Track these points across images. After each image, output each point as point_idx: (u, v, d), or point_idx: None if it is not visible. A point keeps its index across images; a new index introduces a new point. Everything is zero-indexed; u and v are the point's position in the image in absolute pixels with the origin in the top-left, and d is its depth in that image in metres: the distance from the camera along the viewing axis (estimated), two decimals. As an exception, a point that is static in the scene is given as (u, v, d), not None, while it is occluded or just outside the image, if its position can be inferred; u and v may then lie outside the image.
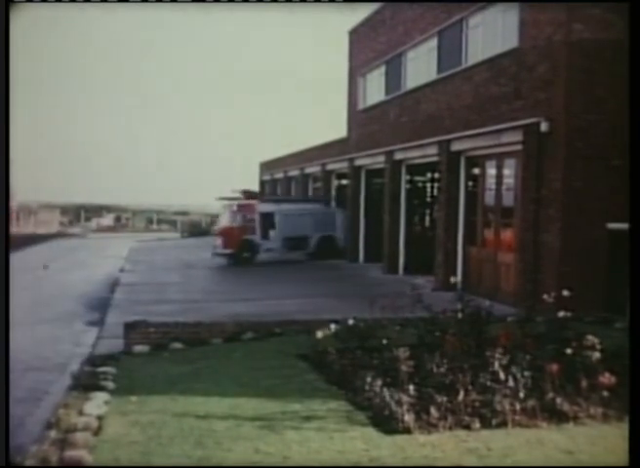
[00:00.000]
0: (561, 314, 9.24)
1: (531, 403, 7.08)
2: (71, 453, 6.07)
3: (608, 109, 13.93)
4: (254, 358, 10.03)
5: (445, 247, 18.52)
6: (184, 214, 72.32)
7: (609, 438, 6.57)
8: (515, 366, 7.59)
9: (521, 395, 7.16)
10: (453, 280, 13.11)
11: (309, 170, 33.26)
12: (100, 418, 7.12)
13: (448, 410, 6.93)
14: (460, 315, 9.47)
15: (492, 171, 17.23)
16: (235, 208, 27.10)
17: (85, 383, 8.49)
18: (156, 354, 10.53)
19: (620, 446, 6.06)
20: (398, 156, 22.09)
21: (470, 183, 18.33)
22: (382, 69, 25.43)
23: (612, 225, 13.90)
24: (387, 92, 24.83)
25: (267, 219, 26.80)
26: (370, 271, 23.13)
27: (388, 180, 22.73)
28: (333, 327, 9.90)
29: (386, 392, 7.26)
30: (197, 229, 49.73)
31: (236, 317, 13.17)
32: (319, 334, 9.67)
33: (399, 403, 6.99)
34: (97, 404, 7.58)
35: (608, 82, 13.97)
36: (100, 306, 17.00)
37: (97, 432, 6.72)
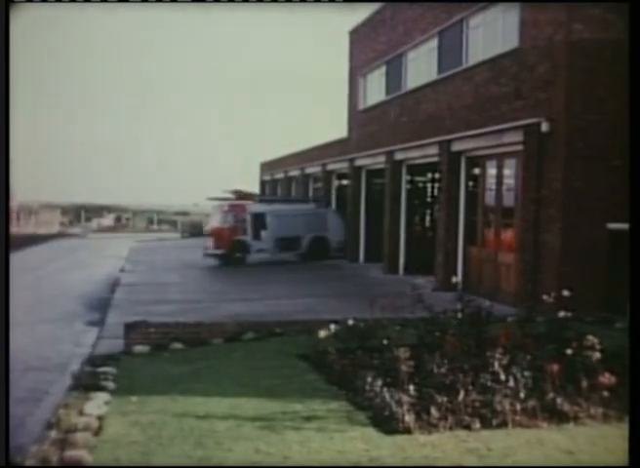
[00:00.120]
0: (561, 314, 9.24)
1: (531, 403, 7.07)
2: (71, 453, 6.07)
3: (608, 109, 13.93)
4: (254, 358, 10.03)
5: (445, 247, 18.52)
6: (185, 214, 72.30)
7: (609, 438, 6.57)
8: (515, 366, 7.59)
9: (521, 395, 7.16)
10: (453, 280, 13.09)
11: (310, 170, 33.25)
12: (100, 418, 7.12)
13: (448, 411, 6.92)
14: (460, 315, 9.47)
15: (492, 171, 17.23)
16: (226, 208, 26.94)
17: (85, 383, 8.49)
18: (156, 354, 10.53)
19: (620, 446, 6.05)
20: (399, 156, 22.09)
21: (471, 183, 18.33)
22: (383, 69, 25.43)
23: (612, 225, 13.90)
24: (388, 92, 24.83)
25: (259, 220, 26.57)
26: (370, 271, 23.13)
27: (389, 181, 22.73)
28: (333, 327, 9.90)
29: (387, 392, 7.25)
30: (197, 229, 49.67)
31: (237, 317, 13.17)
32: (319, 335, 9.66)
33: (399, 403, 6.99)
34: (97, 404, 7.58)
35: (608, 82, 13.97)
36: (100, 306, 17.00)
37: (97, 432, 6.72)
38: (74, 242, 46.90)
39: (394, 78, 24.23)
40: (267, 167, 44.20)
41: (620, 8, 12.91)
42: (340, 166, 28.39)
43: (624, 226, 11.34)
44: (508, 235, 16.45)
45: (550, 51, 14.70)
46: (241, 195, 28.63)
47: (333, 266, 25.45)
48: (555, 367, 7.42)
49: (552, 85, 14.53)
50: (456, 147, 18.24)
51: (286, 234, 26.73)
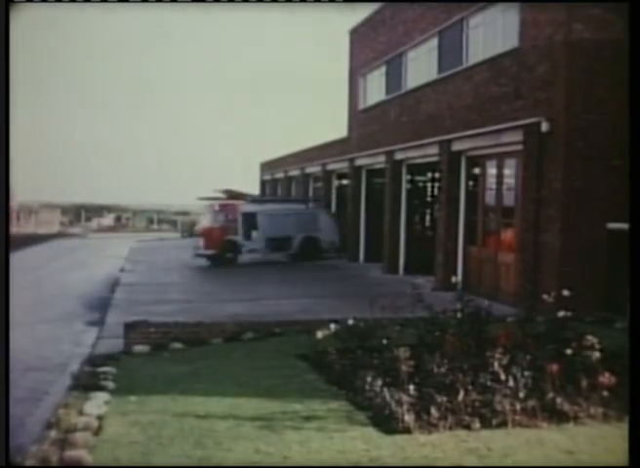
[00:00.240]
0: (561, 314, 9.24)
1: (531, 403, 7.08)
2: (71, 453, 6.07)
3: (608, 109, 13.92)
4: (254, 358, 10.03)
5: (445, 246, 18.52)
6: (185, 214, 72.28)
7: (609, 438, 6.57)
8: (515, 366, 7.59)
9: (521, 395, 7.16)
10: (453, 280, 13.09)
11: (310, 170, 33.26)
12: (100, 418, 7.12)
13: (448, 410, 6.93)
14: (460, 315, 9.47)
15: (492, 170, 17.23)
16: (217, 208, 26.74)
17: (85, 383, 8.49)
18: (156, 354, 10.52)
19: (620, 446, 6.06)
20: (399, 156, 22.09)
21: (471, 183, 18.33)
22: (383, 69, 25.44)
23: (612, 225, 13.90)
24: (388, 92, 24.84)
25: (250, 220, 26.36)
26: (370, 271, 23.13)
27: (389, 180, 22.73)
28: (333, 327, 9.90)
29: (387, 392, 7.26)
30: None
31: (238, 317, 13.17)
32: (319, 334, 9.67)
33: (399, 403, 6.99)
34: (97, 404, 7.58)
35: (608, 82, 13.97)
36: (100, 306, 16.99)
37: (97, 432, 6.72)
38: (74, 242, 46.89)
39: (394, 78, 24.24)
40: (267, 167, 44.20)
41: (620, 8, 12.91)
42: (341, 166, 28.39)
43: (624, 226, 11.36)
44: (508, 235, 16.45)
45: (550, 51, 14.70)
46: (232, 195, 28.32)
47: (332, 266, 25.44)
48: (555, 366, 7.42)
49: (552, 85, 14.53)
50: (456, 147, 18.24)
51: (277, 234, 26.53)
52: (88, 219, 68.31)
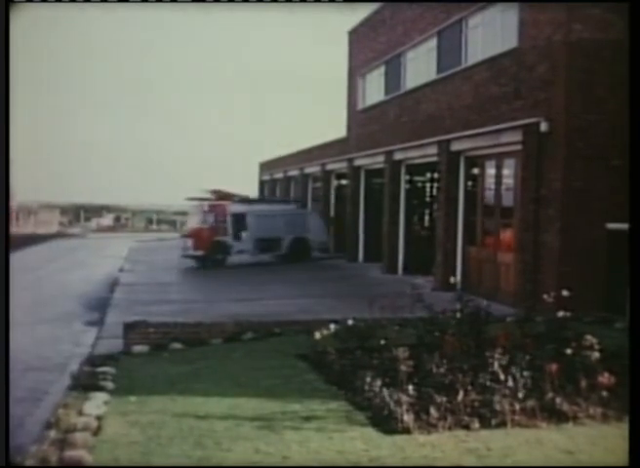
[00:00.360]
0: (560, 314, 9.24)
1: (530, 403, 7.08)
2: (71, 453, 6.07)
3: (608, 109, 13.92)
4: (253, 358, 10.03)
5: (444, 247, 18.52)
6: (184, 214, 72.23)
7: (609, 438, 6.57)
8: (515, 366, 7.60)
9: (520, 395, 7.16)
10: (452, 280, 13.10)
11: (309, 170, 33.27)
12: (99, 418, 7.12)
13: (447, 410, 6.93)
14: (459, 315, 9.47)
15: (491, 171, 17.23)
16: (206, 208, 26.52)
17: (84, 383, 8.49)
18: (156, 354, 10.52)
19: (620, 446, 6.06)
20: (398, 156, 22.09)
21: (470, 183, 18.33)
22: (382, 69, 25.46)
23: (612, 225, 13.90)
24: (387, 92, 24.85)
25: (239, 220, 26.17)
26: (369, 271, 23.13)
27: (388, 180, 22.73)
28: (332, 327, 9.90)
29: (386, 392, 7.26)
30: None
31: (238, 317, 13.16)
32: (318, 335, 9.66)
33: (398, 403, 6.99)
34: (96, 404, 7.58)
35: (608, 82, 13.97)
36: (99, 306, 16.99)
37: (96, 432, 6.72)
38: (73, 242, 46.89)
39: (393, 78, 24.25)
40: (266, 167, 44.20)
41: (620, 8, 12.92)
42: (340, 166, 28.39)
43: (624, 226, 11.35)
44: (508, 235, 16.45)
45: (550, 51, 14.70)
46: (220, 195, 28.09)
47: (331, 266, 25.45)
48: (554, 367, 7.42)
49: (552, 85, 14.53)
50: (455, 147, 18.25)
51: (266, 235, 26.32)
52: (87, 219, 68.31)
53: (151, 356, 10.44)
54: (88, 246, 42.88)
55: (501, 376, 7.41)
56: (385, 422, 6.84)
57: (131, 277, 22.74)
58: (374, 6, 25.53)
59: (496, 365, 7.54)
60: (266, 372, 9.12)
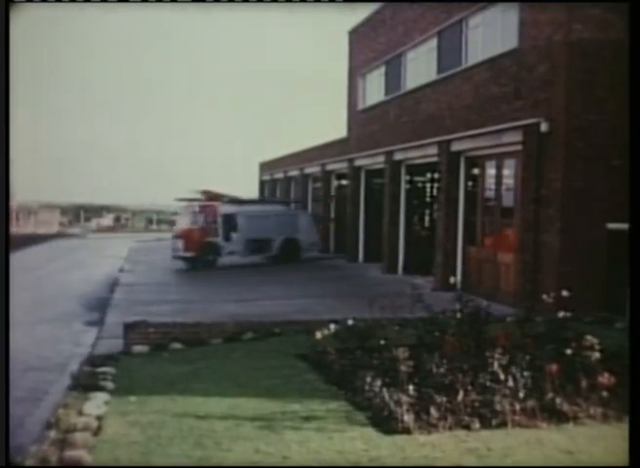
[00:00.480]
0: (561, 314, 9.24)
1: (530, 403, 7.08)
2: (71, 453, 6.07)
3: (608, 109, 13.92)
4: (253, 358, 10.03)
5: (444, 247, 18.52)
6: (184, 214, 72.09)
7: (609, 438, 6.57)
8: (515, 366, 7.59)
9: (521, 395, 7.16)
10: (452, 280, 13.09)
11: (309, 170, 33.28)
12: (99, 418, 7.12)
13: (447, 411, 6.93)
14: (459, 315, 9.47)
15: (491, 171, 17.23)
16: (197, 209, 26.31)
17: (84, 383, 8.49)
18: (156, 354, 10.52)
19: (620, 446, 6.06)
20: (398, 156, 22.09)
21: (470, 183, 18.33)
22: (382, 69, 25.46)
23: (612, 225, 13.90)
24: (387, 92, 24.85)
25: (230, 221, 25.96)
26: (369, 271, 23.13)
27: (388, 181, 22.73)
28: (332, 327, 9.90)
29: (386, 392, 7.26)
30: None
31: (237, 317, 13.16)
32: (318, 335, 9.66)
33: (399, 403, 6.99)
34: (96, 404, 7.58)
35: (608, 82, 13.97)
36: (99, 306, 16.99)
37: (96, 432, 6.72)
38: (73, 242, 46.89)
39: (394, 78, 24.25)
40: (267, 167, 44.19)
41: (620, 8, 12.92)
42: (340, 166, 28.39)
43: (624, 226, 11.36)
44: (508, 235, 16.45)
45: (550, 51, 14.70)
46: (211, 196, 27.92)
47: (331, 266, 25.45)
48: (554, 367, 7.42)
49: (552, 85, 14.53)
50: (455, 147, 18.24)
51: (257, 236, 26.16)
52: (87, 220, 68.31)
53: (151, 356, 10.43)
54: (88, 246, 42.88)
55: (502, 376, 7.41)
56: (385, 422, 6.84)
57: (131, 277, 22.74)
58: (374, 6, 25.54)
59: (496, 365, 7.54)
60: (266, 372, 9.12)
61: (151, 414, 7.31)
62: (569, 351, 7.88)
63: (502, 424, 6.82)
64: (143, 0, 9.68)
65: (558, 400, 7.19)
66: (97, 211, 73.43)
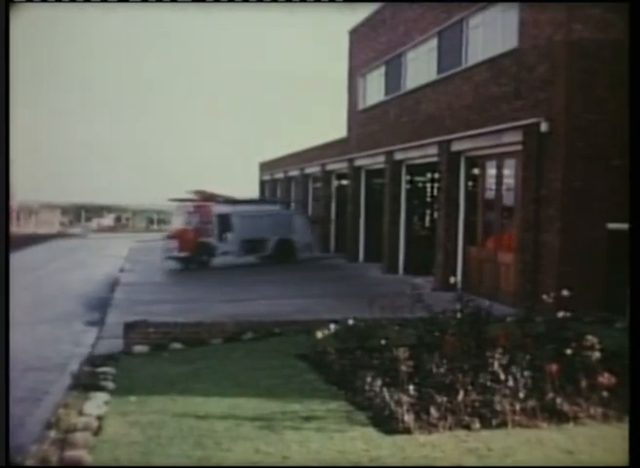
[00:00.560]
0: (561, 314, 9.24)
1: (531, 403, 7.08)
2: (71, 453, 6.07)
3: (608, 109, 13.92)
4: (253, 358, 10.03)
5: (445, 247, 18.52)
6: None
7: (609, 438, 6.57)
8: (515, 366, 7.59)
9: (521, 395, 7.16)
10: (452, 280, 13.08)
11: (309, 170, 33.28)
12: (99, 418, 7.12)
13: (448, 411, 6.93)
14: (459, 315, 9.47)
15: (492, 171, 17.23)
16: (191, 209, 26.22)
17: (85, 383, 8.50)
18: (156, 354, 10.52)
19: (620, 446, 6.05)
20: (398, 156, 22.09)
21: (470, 183, 18.33)
22: (382, 69, 25.46)
23: (612, 225, 13.90)
24: (387, 92, 24.85)
25: (224, 221, 25.86)
26: (369, 271, 23.13)
27: (388, 181, 22.73)
28: (332, 327, 9.90)
29: (386, 392, 7.26)
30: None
31: (237, 317, 13.16)
32: (319, 335, 9.66)
33: (399, 403, 6.99)
34: (96, 404, 7.58)
35: (608, 82, 13.97)
36: (99, 306, 16.99)
37: (96, 432, 6.72)
38: (74, 242, 46.89)
39: (394, 78, 24.25)
40: (267, 167, 44.20)
41: (620, 8, 12.91)
42: (340, 166, 28.39)
43: (624, 226, 11.35)
44: (508, 235, 16.45)
45: (550, 51, 14.70)
46: (205, 196, 27.84)
47: (331, 266, 25.44)
48: (555, 367, 7.42)
49: (552, 85, 14.53)
50: (455, 147, 18.24)
51: (251, 236, 26.04)
52: (88, 220, 68.36)
53: (151, 356, 10.44)
54: (88, 246, 42.89)
55: (502, 376, 7.41)
56: (386, 422, 6.84)
57: (131, 277, 22.75)
58: (374, 6, 25.54)
59: (496, 365, 7.53)
60: (266, 372, 9.12)
61: (151, 414, 7.31)
62: (569, 351, 7.87)
63: (503, 424, 6.82)
64: (143, 0, 9.68)
65: (558, 400, 7.19)
66: (97, 211, 73.47)
